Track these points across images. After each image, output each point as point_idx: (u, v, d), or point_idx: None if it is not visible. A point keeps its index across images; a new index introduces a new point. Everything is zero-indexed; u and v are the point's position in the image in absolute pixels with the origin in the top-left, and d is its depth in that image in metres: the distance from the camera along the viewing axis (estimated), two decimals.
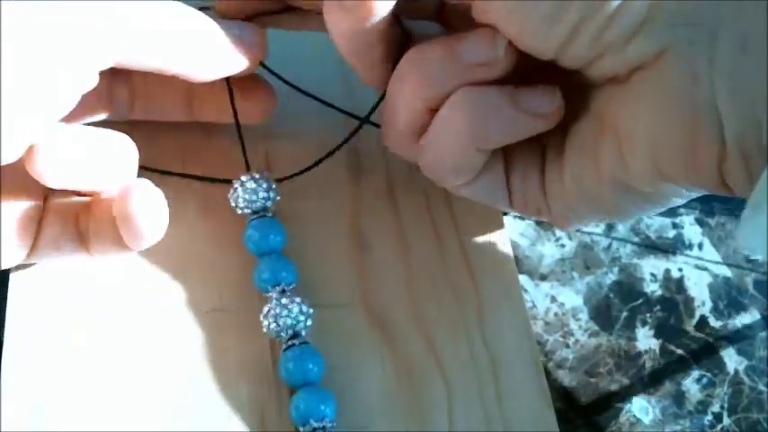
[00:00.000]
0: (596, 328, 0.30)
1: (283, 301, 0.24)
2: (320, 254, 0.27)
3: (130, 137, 0.23)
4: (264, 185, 0.26)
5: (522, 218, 0.32)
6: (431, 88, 0.23)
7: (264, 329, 0.24)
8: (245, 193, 0.26)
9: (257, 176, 0.26)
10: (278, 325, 0.24)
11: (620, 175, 0.22)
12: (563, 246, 0.31)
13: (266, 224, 0.26)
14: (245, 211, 0.26)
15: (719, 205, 0.33)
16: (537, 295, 0.30)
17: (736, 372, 0.29)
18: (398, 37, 0.24)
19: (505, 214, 0.31)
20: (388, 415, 0.24)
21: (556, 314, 0.30)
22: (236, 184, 0.26)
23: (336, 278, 0.27)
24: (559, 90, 0.22)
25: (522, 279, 0.30)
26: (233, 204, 0.26)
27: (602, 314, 0.30)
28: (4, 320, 0.25)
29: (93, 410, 0.24)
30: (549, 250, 0.31)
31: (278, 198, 0.26)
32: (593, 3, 0.19)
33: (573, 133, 0.23)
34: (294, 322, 0.24)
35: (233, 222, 0.27)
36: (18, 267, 0.26)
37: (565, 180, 0.24)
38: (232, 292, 0.26)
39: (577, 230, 0.32)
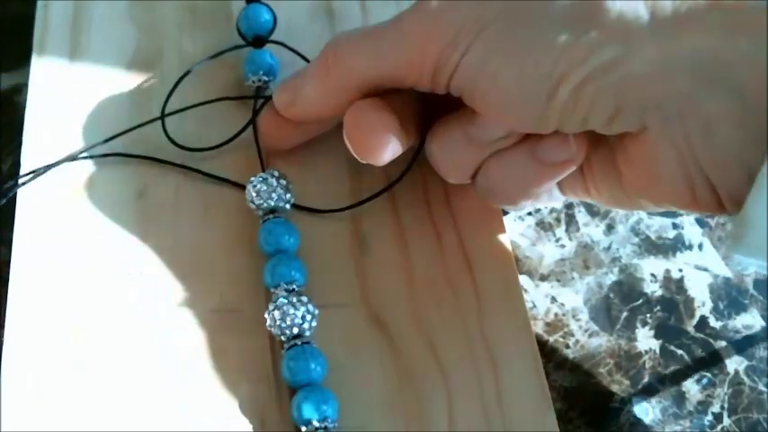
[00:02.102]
0: (596, 328, 0.30)
1: (291, 299, 0.24)
2: (320, 254, 0.27)
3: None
4: (282, 185, 0.26)
5: (521, 218, 0.32)
6: (462, 171, 0.25)
7: (268, 327, 0.24)
8: (263, 191, 0.26)
9: (276, 175, 0.26)
10: (283, 323, 0.24)
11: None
12: (563, 246, 0.31)
13: (281, 224, 0.26)
14: (263, 207, 0.26)
15: None
16: (537, 295, 0.30)
17: (737, 372, 0.29)
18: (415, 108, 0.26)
19: (505, 214, 0.31)
20: (388, 415, 0.24)
21: (556, 314, 0.30)
22: (255, 182, 0.26)
23: (336, 278, 0.27)
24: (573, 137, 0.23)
25: (522, 279, 0.30)
26: (249, 201, 0.26)
27: (602, 314, 0.30)
28: (4, 320, 0.25)
29: (94, 410, 0.24)
30: (549, 250, 0.31)
31: (293, 199, 0.26)
32: (567, 106, 0.21)
33: (594, 158, 0.24)
34: (300, 322, 0.24)
35: (236, 223, 0.27)
36: (18, 267, 0.26)
37: (591, 192, 0.26)
38: (233, 292, 0.26)
39: (577, 230, 0.32)
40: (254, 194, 0.26)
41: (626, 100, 0.21)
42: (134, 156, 0.28)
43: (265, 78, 0.29)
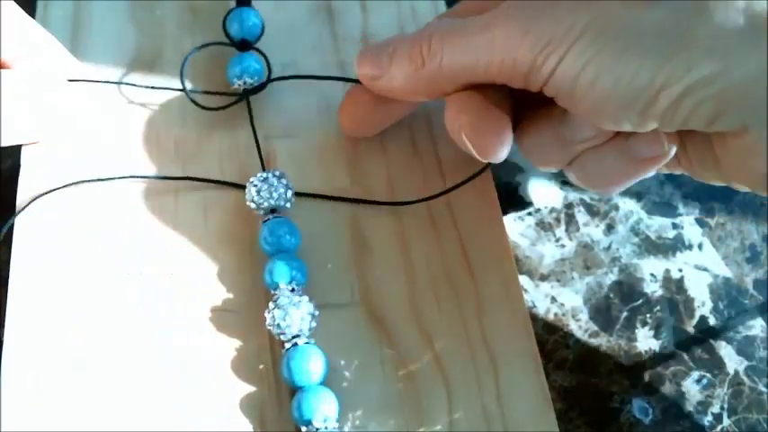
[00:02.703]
0: (596, 328, 0.30)
1: (292, 299, 0.24)
2: (320, 254, 0.27)
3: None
4: (283, 184, 0.26)
5: (521, 218, 0.32)
6: (554, 165, 0.26)
7: (268, 326, 0.24)
8: (264, 190, 0.26)
9: (278, 174, 0.26)
10: (283, 322, 0.24)
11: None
12: (563, 246, 0.31)
13: (282, 223, 0.26)
14: (263, 207, 0.26)
15: (719, 205, 0.33)
16: (537, 295, 0.30)
17: (736, 372, 0.29)
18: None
19: (506, 214, 0.31)
20: (388, 415, 0.24)
21: (556, 314, 0.30)
22: (255, 181, 0.26)
23: (336, 278, 0.27)
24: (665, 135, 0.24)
25: (522, 279, 0.30)
26: (249, 200, 0.26)
27: (602, 314, 0.30)
28: (4, 320, 0.25)
29: (93, 410, 0.24)
30: (549, 250, 0.31)
31: (293, 198, 0.26)
32: (666, 113, 0.21)
33: (689, 145, 0.25)
34: (300, 321, 0.24)
35: (236, 223, 0.27)
36: (18, 267, 0.26)
37: (687, 170, 0.25)
38: (233, 292, 0.26)
39: (577, 230, 0.32)
40: (254, 194, 0.26)
41: (727, 106, 0.21)
42: (144, 177, 0.28)
43: (250, 81, 0.29)
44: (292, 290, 0.25)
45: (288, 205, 0.26)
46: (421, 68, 0.24)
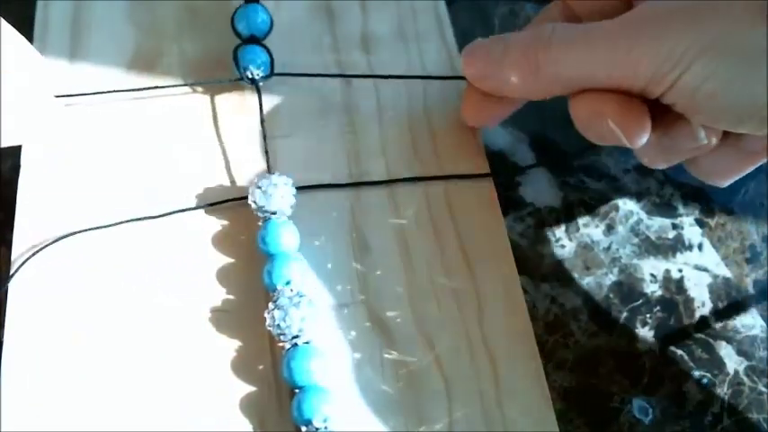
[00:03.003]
0: (596, 328, 0.30)
1: (292, 299, 0.24)
2: (320, 254, 0.27)
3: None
4: (286, 185, 0.26)
5: (521, 218, 0.32)
6: (670, 164, 0.26)
7: (268, 326, 0.24)
8: (266, 192, 0.26)
9: (281, 177, 0.26)
10: (283, 323, 0.24)
11: None
12: (563, 246, 0.31)
13: (282, 225, 0.26)
14: (264, 210, 0.26)
15: (719, 206, 0.33)
16: (537, 296, 0.30)
17: (736, 372, 0.29)
18: None
19: (506, 214, 0.31)
20: (388, 415, 0.24)
21: (556, 315, 0.30)
22: (259, 183, 0.26)
23: (336, 278, 0.27)
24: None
25: (522, 279, 0.30)
26: (251, 201, 0.26)
27: (602, 315, 0.30)
28: (4, 320, 0.25)
29: (93, 410, 0.24)
30: (549, 251, 0.31)
31: (295, 201, 0.26)
32: None
33: None
34: (300, 322, 0.24)
35: (236, 224, 0.27)
36: (17, 267, 0.26)
37: None
38: (233, 292, 0.26)
39: (577, 231, 0.32)
40: (258, 196, 0.26)
41: None
42: (150, 218, 0.28)
43: (260, 72, 0.29)
44: (292, 290, 0.25)
45: (289, 209, 0.26)
46: (535, 74, 0.24)
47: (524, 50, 0.24)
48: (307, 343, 0.24)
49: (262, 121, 0.28)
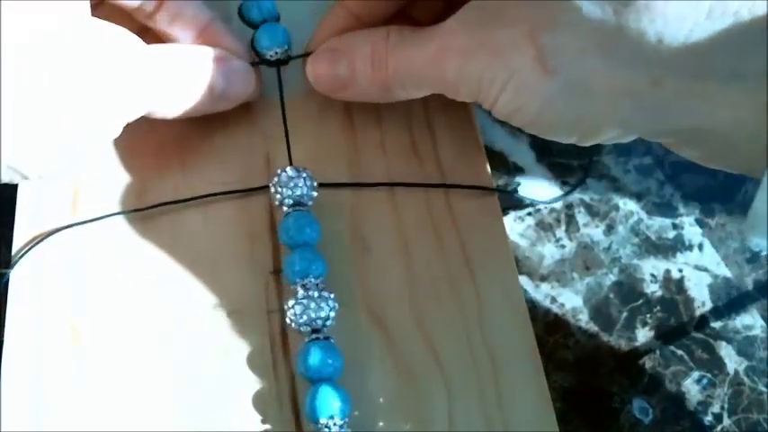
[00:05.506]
0: (596, 328, 0.30)
1: (314, 294, 0.24)
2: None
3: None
4: (307, 179, 0.26)
5: (521, 218, 0.32)
6: None
7: (289, 320, 0.24)
8: (288, 184, 0.26)
9: (300, 169, 0.26)
10: (306, 317, 0.24)
11: None
12: (563, 246, 0.31)
13: (304, 217, 0.26)
14: (288, 198, 0.26)
15: (720, 206, 0.33)
16: (537, 296, 0.30)
17: (736, 372, 0.29)
18: None
19: (505, 214, 0.31)
20: (389, 415, 0.24)
21: (556, 315, 0.30)
22: (283, 174, 0.26)
23: (336, 278, 0.27)
24: None
25: (522, 280, 0.30)
26: (274, 191, 0.26)
27: (602, 315, 0.30)
28: (4, 320, 0.25)
29: (94, 410, 0.24)
30: (549, 251, 0.31)
31: (315, 194, 0.26)
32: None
33: None
34: (324, 316, 0.24)
35: (240, 223, 0.27)
36: (18, 267, 0.26)
37: None
38: (235, 291, 0.26)
39: (577, 231, 0.32)
40: (281, 187, 0.26)
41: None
42: (154, 206, 0.28)
43: (285, 48, 0.28)
44: (316, 284, 0.25)
45: (310, 202, 0.26)
46: (377, 74, 0.26)
47: (368, 53, 0.26)
48: (327, 338, 0.24)
49: (282, 107, 0.28)
